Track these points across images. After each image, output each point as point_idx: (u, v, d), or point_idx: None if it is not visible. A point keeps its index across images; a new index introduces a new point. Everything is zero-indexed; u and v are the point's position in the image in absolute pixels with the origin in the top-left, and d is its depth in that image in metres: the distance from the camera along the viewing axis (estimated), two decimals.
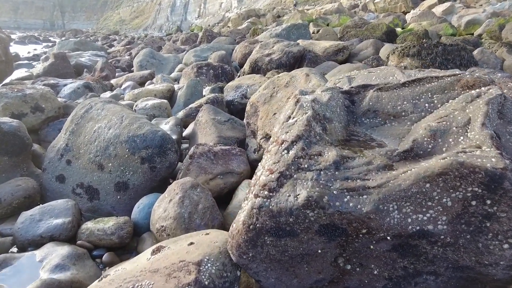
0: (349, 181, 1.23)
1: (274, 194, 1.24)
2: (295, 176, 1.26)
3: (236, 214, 2.52)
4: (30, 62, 11.92)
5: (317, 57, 7.10)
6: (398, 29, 11.57)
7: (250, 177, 2.87)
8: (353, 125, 1.88)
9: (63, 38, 27.95)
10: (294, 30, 11.16)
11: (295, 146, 1.34)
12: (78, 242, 2.17)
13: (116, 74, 8.48)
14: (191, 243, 1.46)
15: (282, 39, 7.84)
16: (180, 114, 4.39)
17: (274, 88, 3.30)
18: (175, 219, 2.07)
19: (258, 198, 1.25)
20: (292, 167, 1.29)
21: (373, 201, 1.17)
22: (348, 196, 1.20)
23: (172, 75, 7.39)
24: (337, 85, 2.28)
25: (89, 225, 2.25)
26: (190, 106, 4.46)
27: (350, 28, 11.75)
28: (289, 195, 1.22)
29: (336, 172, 1.25)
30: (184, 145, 3.77)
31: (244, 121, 3.42)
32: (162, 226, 2.11)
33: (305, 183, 1.23)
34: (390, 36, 10.10)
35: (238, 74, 7.23)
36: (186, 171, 2.64)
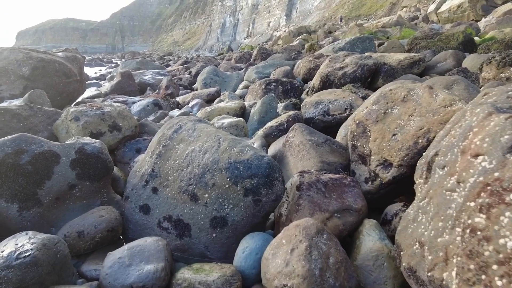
0: None
1: None
2: None
3: (368, 268, 1.94)
4: (98, 81, 12.54)
5: (393, 70, 6.42)
6: (476, 38, 10.42)
7: (368, 216, 2.27)
8: None
9: (123, 60, 29.87)
10: (358, 43, 10.55)
11: None
12: None
13: (179, 92, 8.43)
14: None
15: (352, 52, 7.27)
16: (260, 133, 3.95)
17: (387, 103, 2.71)
18: (304, 278, 1.54)
19: None
20: None
21: None
22: None
23: (237, 92, 7.10)
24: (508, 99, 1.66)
25: (186, 274, 1.80)
26: (270, 125, 4.00)
27: (419, 40, 10.83)
28: None
29: None
30: None
31: (348, 142, 2.86)
32: (285, 286, 1.58)
33: None
34: (467, 46, 9.06)
35: (306, 89, 6.74)
36: (296, 206, 2.12)
